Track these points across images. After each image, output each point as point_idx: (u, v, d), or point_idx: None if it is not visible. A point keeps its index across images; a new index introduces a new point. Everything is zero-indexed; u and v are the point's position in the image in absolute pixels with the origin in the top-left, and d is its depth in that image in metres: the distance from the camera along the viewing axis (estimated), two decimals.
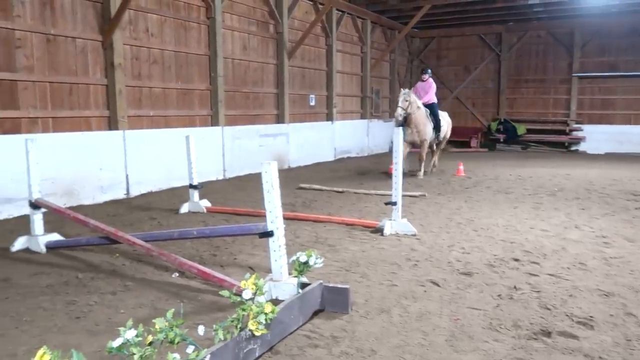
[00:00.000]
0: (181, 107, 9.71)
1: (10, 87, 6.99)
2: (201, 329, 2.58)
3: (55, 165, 7.09)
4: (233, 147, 10.60)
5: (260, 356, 2.87)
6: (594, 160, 14.04)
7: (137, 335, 2.33)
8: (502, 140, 17.75)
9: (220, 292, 3.18)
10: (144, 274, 4.38)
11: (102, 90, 8.22)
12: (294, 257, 3.56)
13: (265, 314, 2.83)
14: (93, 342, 3.05)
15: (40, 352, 2.10)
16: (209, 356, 2.45)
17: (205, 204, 7.10)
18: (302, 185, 9.20)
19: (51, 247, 5.07)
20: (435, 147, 11.11)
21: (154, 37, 9.06)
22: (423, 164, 10.49)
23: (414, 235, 5.60)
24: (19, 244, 5.13)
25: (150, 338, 2.40)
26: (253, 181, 9.45)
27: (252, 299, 2.89)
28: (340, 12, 14.55)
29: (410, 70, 19.76)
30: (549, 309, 3.54)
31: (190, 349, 2.43)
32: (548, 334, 3.15)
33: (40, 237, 5.09)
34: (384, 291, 3.91)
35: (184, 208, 7.03)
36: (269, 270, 3.75)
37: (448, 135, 11.37)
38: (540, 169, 11.81)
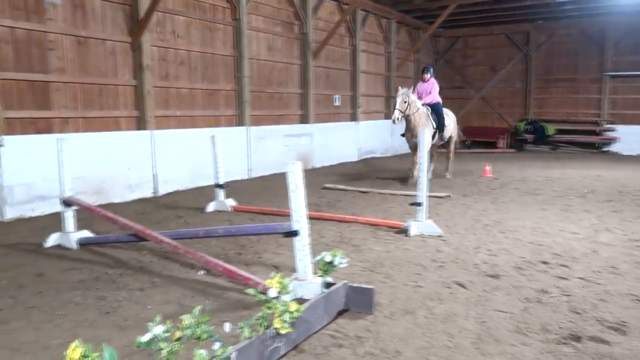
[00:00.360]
0: (207, 107, 9.83)
1: (43, 88, 7.21)
2: (227, 326, 2.61)
3: (86, 164, 7.27)
4: (258, 147, 10.68)
5: (285, 354, 2.89)
6: (626, 162, 13.64)
7: (165, 331, 2.38)
8: (530, 140, 17.41)
9: (245, 291, 3.22)
10: (171, 271, 4.46)
11: (131, 91, 8.39)
12: (319, 257, 3.57)
13: (290, 312, 2.84)
14: (122, 337, 3.12)
15: (72, 345, 2.15)
16: (235, 353, 2.48)
17: (231, 203, 7.18)
18: (327, 185, 9.21)
19: (82, 244, 5.21)
20: (444, 149, 10.36)
21: (181, 38, 9.20)
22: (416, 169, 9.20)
23: (440, 236, 5.54)
24: (52, 240, 5.29)
25: (178, 334, 2.44)
26: (278, 181, 9.50)
27: (277, 298, 2.91)
28: (364, 12, 14.52)
29: (436, 70, 19.56)
30: (578, 313, 3.45)
31: (216, 346, 2.46)
32: (578, 339, 3.07)
33: (72, 234, 5.24)
34: (408, 292, 3.89)
35: (210, 207, 7.12)
36: (294, 270, 3.77)
37: (455, 136, 10.54)
38: (570, 170, 11.54)
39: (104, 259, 4.85)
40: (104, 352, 2.17)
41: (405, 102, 9.07)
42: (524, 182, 9.83)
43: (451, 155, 10.57)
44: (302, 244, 3.68)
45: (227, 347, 2.48)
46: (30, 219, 6.63)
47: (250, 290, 3.04)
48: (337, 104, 13.79)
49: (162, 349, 2.35)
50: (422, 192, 5.63)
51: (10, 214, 6.57)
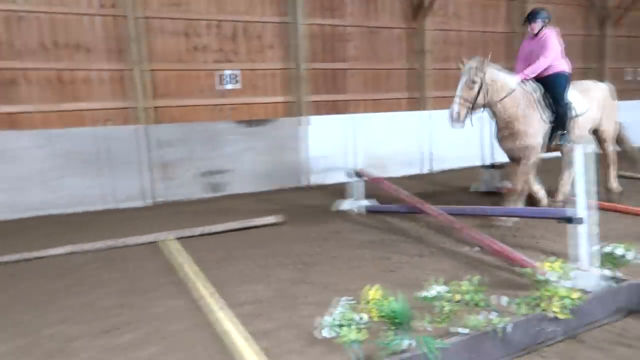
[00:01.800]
0: None
1: (341, 75, 8.41)
2: (504, 300, 2.76)
3: (371, 141, 8.17)
4: None
5: (561, 340, 2.85)
6: None
7: (447, 292, 2.68)
8: None
9: (521, 270, 3.27)
10: (444, 244, 4.77)
11: (411, 74, 9.01)
12: (608, 249, 3.32)
13: (572, 299, 2.79)
14: (403, 292, 3.56)
15: (374, 287, 2.65)
16: (511, 325, 2.61)
17: (503, 184, 7.07)
18: (622, 173, 8.04)
19: (368, 210, 6.02)
20: (607, 152, 6.26)
21: (462, 19, 9.32)
22: (518, 193, 5.46)
23: None
24: (345, 204, 6.27)
25: (458, 297, 2.72)
26: (549, 164, 8.81)
27: (557, 282, 2.89)
28: None
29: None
30: None
31: (493, 315, 2.64)
32: None
33: (361, 201, 6.12)
34: None
35: (479, 187, 7.19)
36: (571, 260, 3.58)
37: (611, 130, 6.23)
38: None
39: (386, 225, 5.52)
40: (399, 296, 2.59)
41: (475, 82, 5.03)
42: None
43: (611, 160, 6.35)
44: (586, 233, 3.47)
45: (503, 318, 2.62)
46: (327, 185, 7.93)
47: (528, 271, 3.08)
48: (629, 78, 11.76)
49: (444, 307, 2.66)
50: None
51: (313, 180, 8.02)
